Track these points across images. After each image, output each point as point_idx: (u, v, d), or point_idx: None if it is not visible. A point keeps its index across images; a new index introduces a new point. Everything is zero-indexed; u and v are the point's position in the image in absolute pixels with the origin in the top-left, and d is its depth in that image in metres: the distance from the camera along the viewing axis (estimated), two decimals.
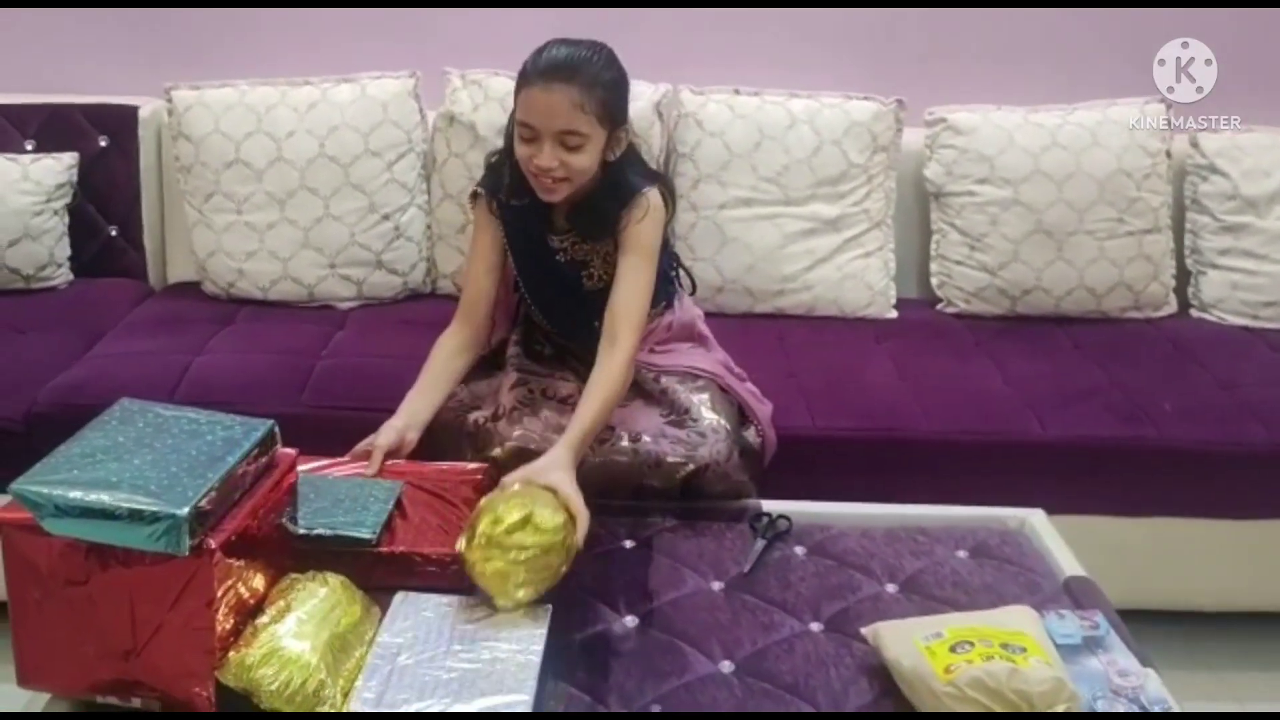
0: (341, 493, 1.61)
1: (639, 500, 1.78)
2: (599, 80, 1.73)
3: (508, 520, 1.42)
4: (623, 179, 1.83)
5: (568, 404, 1.88)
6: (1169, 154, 2.71)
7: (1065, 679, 1.29)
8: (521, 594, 1.43)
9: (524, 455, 1.76)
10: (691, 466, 1.79)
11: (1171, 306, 2.76)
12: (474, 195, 1.94)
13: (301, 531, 1.50)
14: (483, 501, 1.48)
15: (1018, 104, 2.73)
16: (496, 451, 1.79)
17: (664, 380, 1.93)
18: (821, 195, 2.63)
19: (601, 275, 1.90)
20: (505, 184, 1.87)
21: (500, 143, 1.88)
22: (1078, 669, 1.38)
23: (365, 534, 1.53)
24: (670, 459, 1.79)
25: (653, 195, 1.84)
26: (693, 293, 2.11)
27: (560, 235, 1.89)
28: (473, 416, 1.87)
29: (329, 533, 1.52)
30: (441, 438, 1.88)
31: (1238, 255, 2.70)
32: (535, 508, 1.45)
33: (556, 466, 1.58)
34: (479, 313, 1.94)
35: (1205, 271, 2.75)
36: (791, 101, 2.66)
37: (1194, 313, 2.76)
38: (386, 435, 1.76)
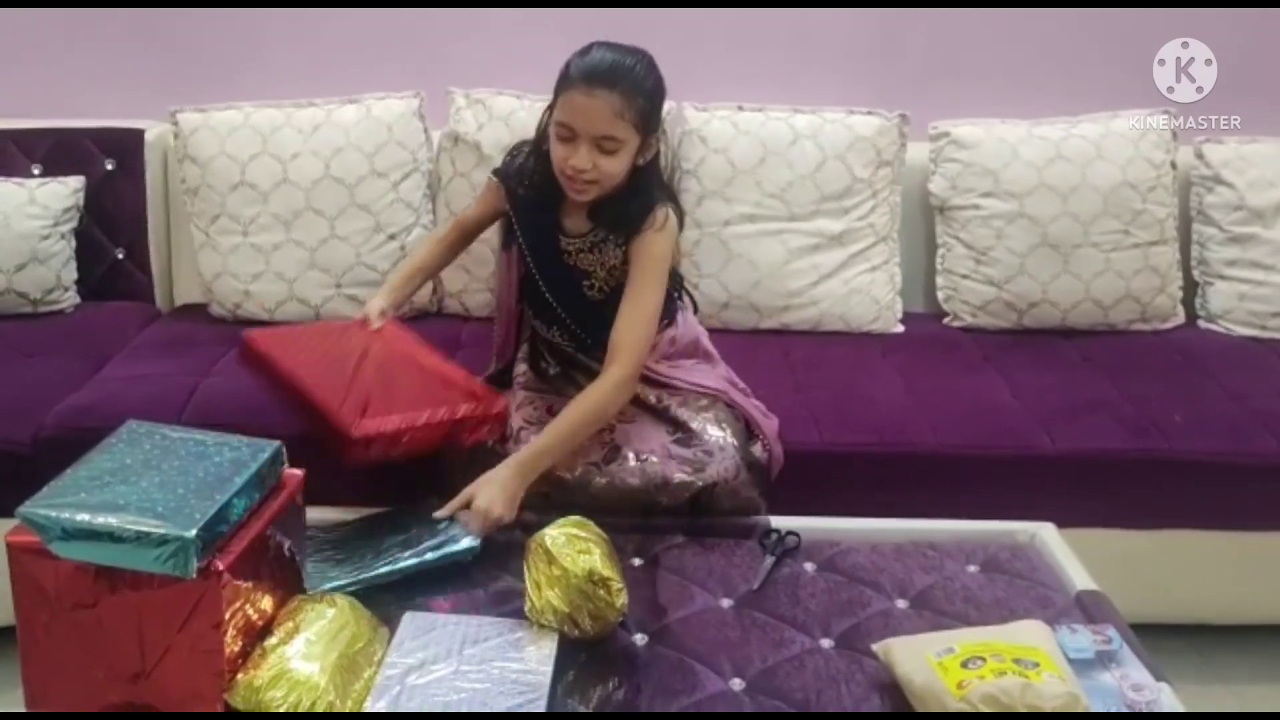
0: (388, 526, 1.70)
1: (647, 518, 1.78)
2: (640, 88, 1.75)
3: (581, 560, 1.44)
4: (646, 185, 1.85)
5: None
6: (1174, 165, 2.71)
7: (1079, 693, 1.28)
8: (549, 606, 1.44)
9: None
10: (700, 485, 1.79)
11: (1179, 318, 2.75)
12: (496, 172, 1.99)
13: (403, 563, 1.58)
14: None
15: (1021, 117, 2.73)
16: None
17: (669, 399, 1.93)
18: (826, 210, 2.62)
19: (602, 288, 1.90)
20: (525, 177, 1.89)
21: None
22: (1091, 684, 1.37)
23: (467, 544, 1.62)
24: (678, 478, 1.79)
25: (668, 211, 1.85)
26: (695, 313, 2.11)
27: (569, 239, 1.89)
28: None
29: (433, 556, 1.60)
30: (450, 460, 1.88)
31: (1245, 266, 2.70)
32: (606, 568, 1.44)
33: (487, 481, 1.67)
34: (469, 233, 2.11)
35: (1212, 282, 2.74)
36: (795, 117, 2.66)
37: (1202, 324, 2.75)
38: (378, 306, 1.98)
